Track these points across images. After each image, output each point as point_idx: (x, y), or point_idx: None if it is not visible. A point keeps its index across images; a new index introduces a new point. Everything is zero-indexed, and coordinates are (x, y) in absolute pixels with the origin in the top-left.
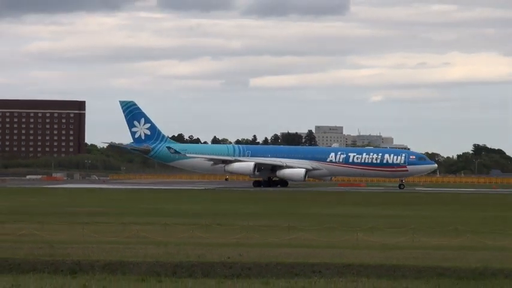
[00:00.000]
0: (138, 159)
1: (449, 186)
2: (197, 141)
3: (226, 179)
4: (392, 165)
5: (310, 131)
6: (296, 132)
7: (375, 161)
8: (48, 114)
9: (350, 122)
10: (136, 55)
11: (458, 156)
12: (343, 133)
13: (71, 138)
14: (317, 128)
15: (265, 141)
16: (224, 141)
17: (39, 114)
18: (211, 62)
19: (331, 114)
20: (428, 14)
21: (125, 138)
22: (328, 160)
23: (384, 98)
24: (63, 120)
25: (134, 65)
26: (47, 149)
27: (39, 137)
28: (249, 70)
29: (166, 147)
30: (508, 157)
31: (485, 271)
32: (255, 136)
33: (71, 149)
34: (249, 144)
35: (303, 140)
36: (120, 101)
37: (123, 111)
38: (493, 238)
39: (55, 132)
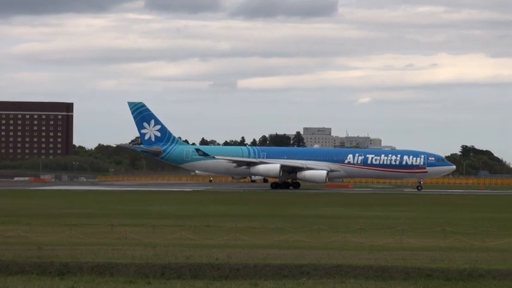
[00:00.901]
0: (126, 161)
1: (438, 188)
2: (186, 142)
3: (210, 181)
4: (412, 166)
5: (298, 133)
6: (284, 134)
7: (394, 163)
8: (36, 116)
9: (338, 124)
10: (124, 56)
11: (447, 157)
12: (332, 134)
13: (59, 140)
14: (305, 129)
15: (253, 143)
16: (212, 142)
17: (27, 116)
18: (199, 63)
19: (319, 115)
20: (416, 16)
21: (113, 139)
22: (346, 162)
23: (371, 99)
24: (51, 122)
25: (122, 67)
26: (35, 151)
27: (27, 139)
28: (237, 71)
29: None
30: (496, 158)
31: (473, 272)
32: (243, 138)
33: (59, 151)
34: (263, 146)
35: (291, 141)
36: (128, 102)
37: (132, 113)
38: (481, 239)
39: (43, 134)
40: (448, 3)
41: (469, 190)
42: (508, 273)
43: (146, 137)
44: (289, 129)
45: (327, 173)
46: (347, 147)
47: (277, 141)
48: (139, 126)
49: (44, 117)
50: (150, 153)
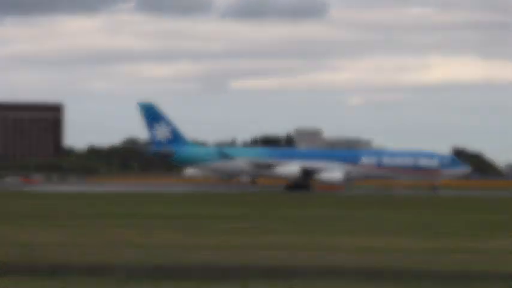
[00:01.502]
0: (116, 162)
1: (429, 189)
2: None
3: (200, 182)
4: (426, 168)
5: (289, 134)
6: (275, 135)
7: (409, 164)
8: (26, 117)
9: (329, 125)
10: (115, 57)
11: None
12: (323, 135)
13: (49, 140)
14: (296, 130)
15: (245, 144)
16: (204, 143)
17: (18, 117)
18: (190, 64)
19: (310, 117)
20: (408, 17)
21: (105, 140)
22: (359, 163)
23: (363, 100)
24: (42, 123)
25: (113, 68)
26: (25, 152)
27: (17, 140)
28: (229, 73)
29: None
30: (487, 160)
31: (465, 274)
32: (233, 138)
33: (50, 152)
34: (275, 148)
35: (282, 142)
36: (138, 103)
37: (142, 114)
38: (473, 241)
39: (33, 134)
40: (440, 4)
41: (460, 192)
42: (500, 275)
43: (157, 139)
44: (281, 131)
45: (344, 175)
46: (338, 149)
47: (268, 142)
48: (150, 128)
49: (34, 118)
50: (161, 155)
